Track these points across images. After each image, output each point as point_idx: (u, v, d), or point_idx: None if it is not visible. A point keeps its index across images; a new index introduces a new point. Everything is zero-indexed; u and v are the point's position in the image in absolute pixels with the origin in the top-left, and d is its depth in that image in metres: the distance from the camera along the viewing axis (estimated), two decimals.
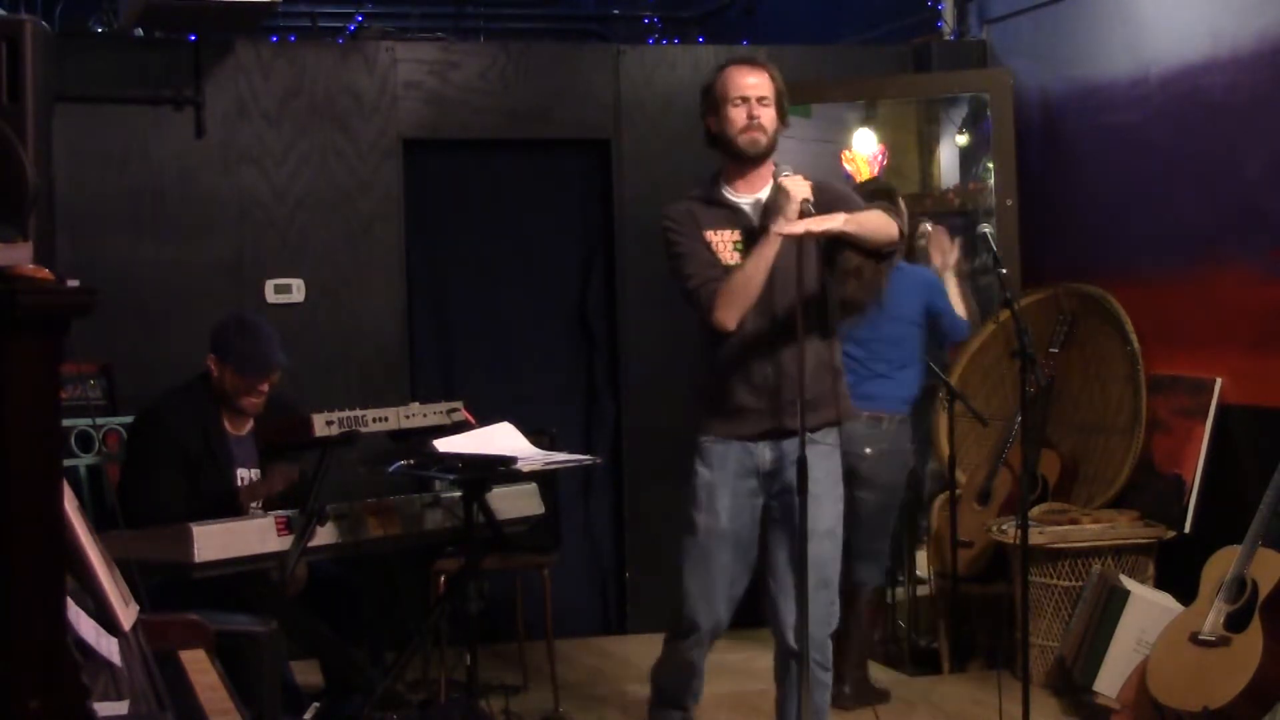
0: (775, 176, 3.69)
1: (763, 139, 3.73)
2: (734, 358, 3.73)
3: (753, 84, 3.73)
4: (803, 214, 3.58)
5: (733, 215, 3.77)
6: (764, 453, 3.75)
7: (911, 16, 6.57)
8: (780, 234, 3.58)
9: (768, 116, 3.74)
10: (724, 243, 3.74)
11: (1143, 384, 5.27)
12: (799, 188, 3.61)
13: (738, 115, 3.72)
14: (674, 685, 3.95)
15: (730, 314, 3.66)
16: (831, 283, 3.79)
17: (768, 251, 3.62)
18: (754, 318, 3.70)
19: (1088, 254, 5.65)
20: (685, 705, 3.94)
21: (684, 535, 3.82)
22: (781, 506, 3.75)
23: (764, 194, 3.76)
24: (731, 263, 3.72)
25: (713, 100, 3.77)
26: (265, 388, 4.37)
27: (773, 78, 3.78)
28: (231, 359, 4.32)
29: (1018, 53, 6.05)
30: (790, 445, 3.67)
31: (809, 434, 3.62)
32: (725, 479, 3.76)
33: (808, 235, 3.57)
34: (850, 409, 3.91)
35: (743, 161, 3.76)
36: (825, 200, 3.66)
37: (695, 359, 3.87)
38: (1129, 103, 5.42)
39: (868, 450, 4.86)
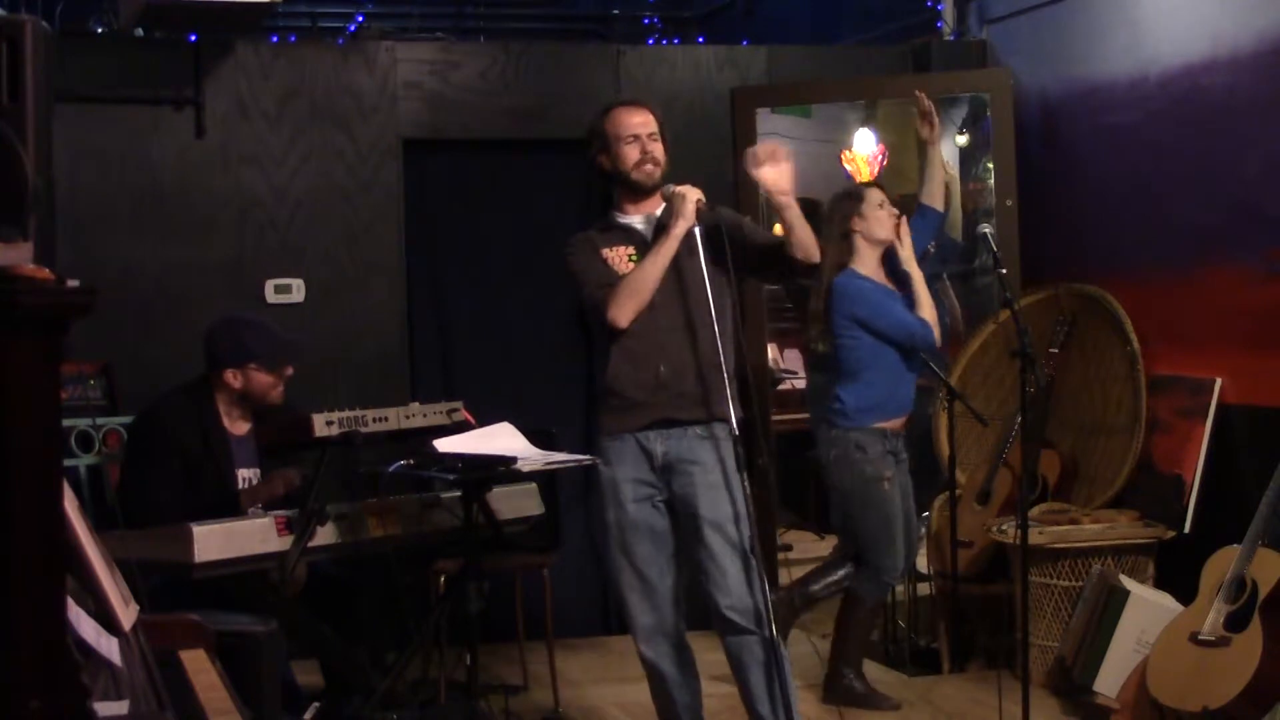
0: (664, 194, 3.94)
1: (657, 172, 3.98)
2: (623, 356, 3.91)
3: (641, 123, 3.98)
4: (699, 211, 3.83)
5: (626, 234, 4.01)
6: (655, 445, 3.91)
7: (911, 16, 6.58)
8: (679, 232, 3.81)
9: (659, 150, 3.99)
10: (619, 258, 3.97)
11: (1143, 384, 5.27)
12: (693, 191, 3.87)
13: (631, 152, 3.96)
14: (658, 701, 4.04)
15: (624, 311, 3.85)
16: (730, 292, 3.94)
17: (665, 250, 3.85)
18: (645, 318, 3.88)
19: (1088, 254, 5.65)
20: None
21: (605, 540, 4.01)
22: (688, 499, 3.88)
23: (657, 212, 3.99)
24: (627, 272, 3.93)
25: (603, 140, 4.00)
26: (290, 371, 4.38)
27: (655, 114, 4.03)
28: (255, 359, 4.30)
29: (1018, 53, 6.05)
30: (680, 436, 3.88)
31: (699, 427, 3.86)
32: (625, 473, 3.93)
33: (700, 210, 3.82)
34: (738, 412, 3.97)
35: (638, 192, 4.00)
36: (720, 216, 3.91)
37: (593, 370, 4.09)
38: (1129, 103, 5.42)
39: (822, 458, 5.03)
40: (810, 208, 6.70)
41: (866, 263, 4.99)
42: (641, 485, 3.92)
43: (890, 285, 5.01)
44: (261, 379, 4.32)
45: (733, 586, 3.79)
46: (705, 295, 3.81)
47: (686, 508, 3.89)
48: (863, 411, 4.91)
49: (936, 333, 4.95)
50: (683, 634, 3.99)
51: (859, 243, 4.99)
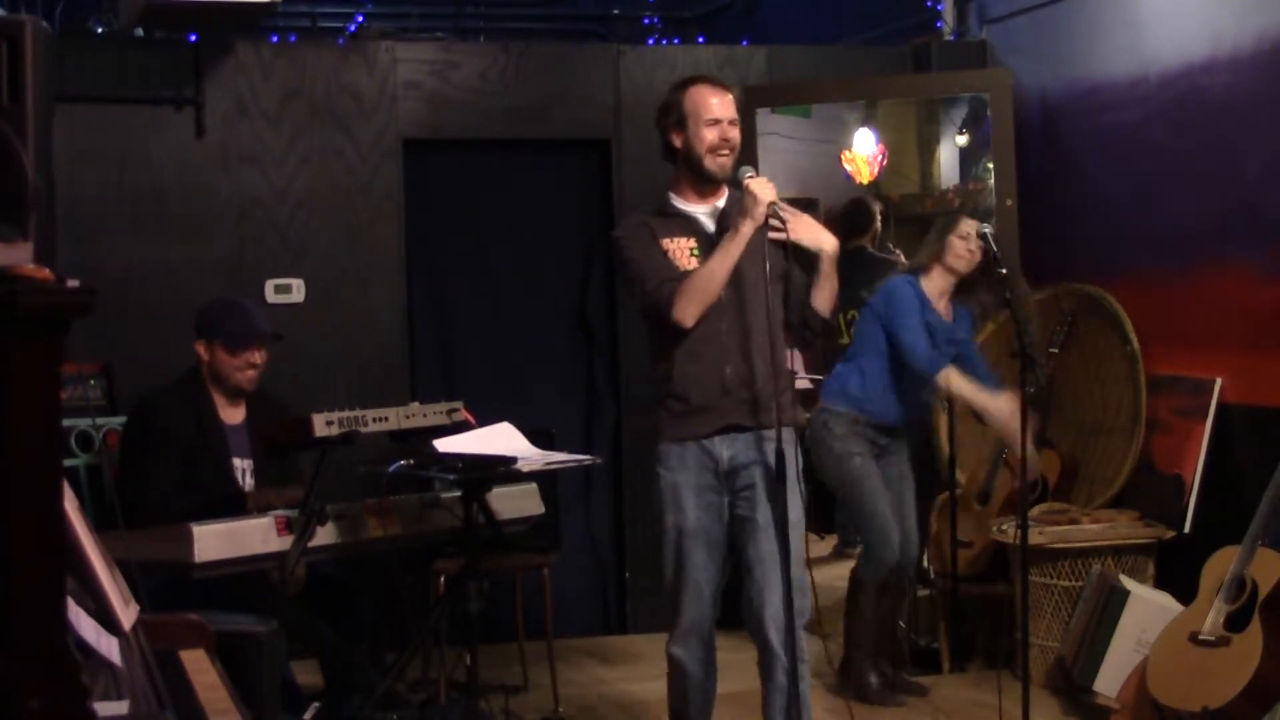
0: (740, 178, 3.75)
1: (730, 163, 3.80)
2: (687, 360, 3.79)
3: (725, 106, 3.79)
4: (770, 216, 3.66)
5: (688, 224, 3.84)
6: (720, 450, 3.80)
7: (911, 16, 6.57)
8: (747, 232, 3.66)
9: (736, 139, 3.81)
10: (680, 250, 3.80)
11: (1143, 384, 5.27)
12: (766, 190, 3.68)
13: (710, 135, 3.77)
14: (674, 697, 4.01)
15: (690, 310, 3.71)
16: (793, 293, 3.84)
17: (733, 249, 3.70)
18: (707, 319, 3.75)
19: (1088, 254, 5.65)
20: None
21: (660, 541, 3.89)
22: (748, 502, 3.80)
23: (720, 203, 3.84)
24: (690, 268, 3.78)
25: (679, 116, 3.81)
26: (257, 359, 4.39)
27: (737, 99, 3.85)
28: (219, 335, 4.36)
29: (1018, 53, 6.05)
30: (744, 440, 3.77)
31: (765, 431, 3.74)
32: (687, 479, 3.82)
33: (774, 237, 3.68)
34: (799, 416, 3.92)
35: (705, 181, 3.83)
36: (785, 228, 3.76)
37: (651, 373, 3.94)
38: (1128, 103, 5.42)
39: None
40: (809, 206, 6.74)
41: (934, 282, 4.98)
42: (705, 492, 3.81)
43: (947, 317, 4.99)
44: (225, 358, 4.37)
45: (774, 599, 3.72)
46: (765, 296, 3.67)
47: (747, 510, 3.79)
48: (838, 395, 4.96)
49: (939, 377, 4.88)
50: (712, 634, 3.94)
51: (935, 264, 4.99)
